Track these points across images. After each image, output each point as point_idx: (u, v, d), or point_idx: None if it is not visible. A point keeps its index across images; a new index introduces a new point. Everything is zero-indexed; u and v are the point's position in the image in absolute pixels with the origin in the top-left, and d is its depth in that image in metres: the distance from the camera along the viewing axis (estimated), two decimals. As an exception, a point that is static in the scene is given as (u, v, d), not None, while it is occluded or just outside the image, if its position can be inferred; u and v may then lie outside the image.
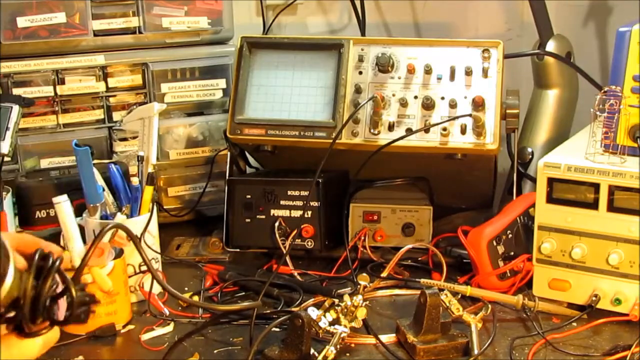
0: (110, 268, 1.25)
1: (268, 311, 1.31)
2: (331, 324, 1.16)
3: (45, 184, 1.52)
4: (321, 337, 1.16)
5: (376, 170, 1.49)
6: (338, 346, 1.14)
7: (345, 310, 1.19)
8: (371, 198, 1.56)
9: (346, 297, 1.20)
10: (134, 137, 1.61)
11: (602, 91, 1.26)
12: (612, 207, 1.23)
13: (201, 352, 1.18)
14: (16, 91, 1.58)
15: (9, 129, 1.36)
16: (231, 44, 1.76)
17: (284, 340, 1.14)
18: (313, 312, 1.15)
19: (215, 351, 1.19)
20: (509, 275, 1.36)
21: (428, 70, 1.43)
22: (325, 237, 1.49)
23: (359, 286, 1.32)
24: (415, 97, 1.43)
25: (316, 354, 1.13)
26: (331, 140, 1.43)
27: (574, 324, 1.24)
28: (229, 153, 1.61)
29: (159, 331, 1.26)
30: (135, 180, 1.39)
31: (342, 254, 1.48)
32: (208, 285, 1.43)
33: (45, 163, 1.63)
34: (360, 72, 1.46)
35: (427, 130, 1.41)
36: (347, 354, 1.17)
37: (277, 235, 1.47)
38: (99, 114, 1.67)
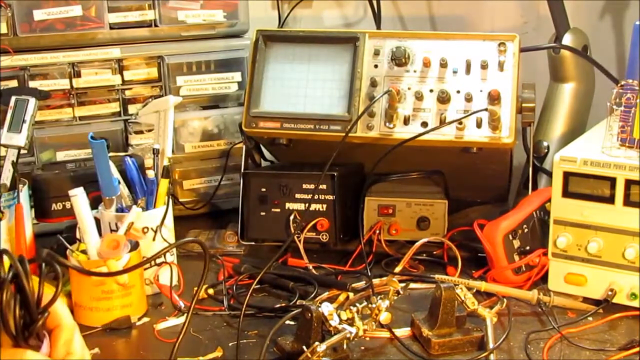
0: (126, 261, 1.26)
1: (283, 304, 1.31)
2: (345, 322, 1.14)
3: (61, 177, 1.52)
4: (334, 333, 1.15)
5: (391, 163, 1.48)
6: (343, 346, 1.12)
7: (369, 310, 1.16)
8: (386, 191, 1.56)
9: (373, 299, 1.17)
10: (150, 130, 1.61)
11: (619, 85, 1.25)
12: (628, 202, 1.22)
13: (216, 345, 1.18)
14: (32, 84, 1.59)
15: (25, 121, 1.36)
16: (247, 37, 1.76)
17: (296, 332, 1.15)
18: (327, 308, 1.14)
19: (230, 344, 1.19)
20: (524, 269, 1.36)
21: (444, 64, 1.43)
22: (340, 231, 1.49)
23: (389, 290, 1.23)
24: (431, 91, 1.43)
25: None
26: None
27: (590, 318, 1.23)
28: (244, 146, 1.61)
29: (172, 321, 1.27)
30: (150, 173, 1.39)
31: (356, 248, 1.48)
32: (223, 278, 1.43)
33: (61, 156, 1.64)
34: (376, 66, 1.46)
35: (442, 124, 1.41)
36: (362, 347, 1.17)
37: (292, 228, 1.47)
38: (114, 106, 1.68)
